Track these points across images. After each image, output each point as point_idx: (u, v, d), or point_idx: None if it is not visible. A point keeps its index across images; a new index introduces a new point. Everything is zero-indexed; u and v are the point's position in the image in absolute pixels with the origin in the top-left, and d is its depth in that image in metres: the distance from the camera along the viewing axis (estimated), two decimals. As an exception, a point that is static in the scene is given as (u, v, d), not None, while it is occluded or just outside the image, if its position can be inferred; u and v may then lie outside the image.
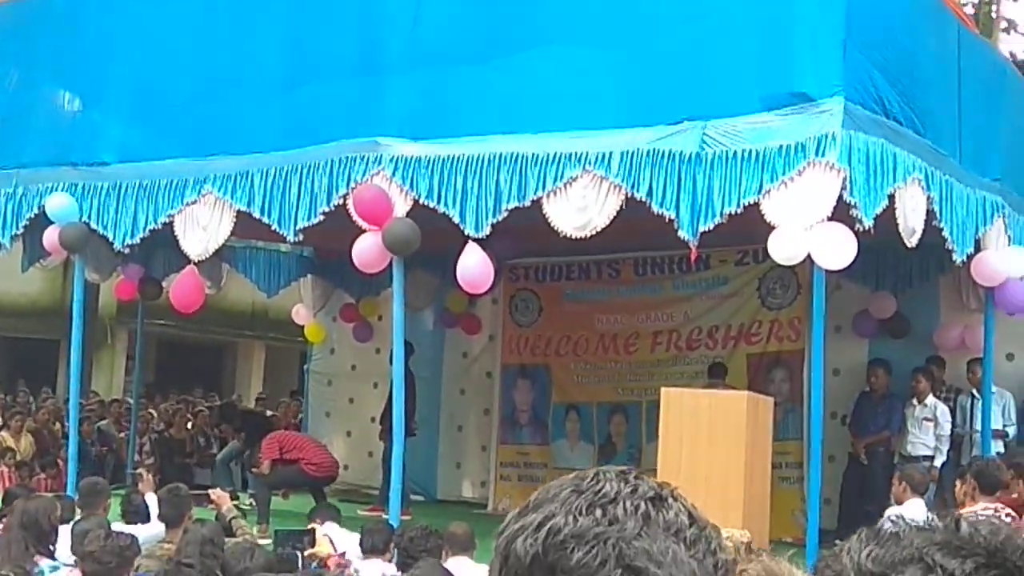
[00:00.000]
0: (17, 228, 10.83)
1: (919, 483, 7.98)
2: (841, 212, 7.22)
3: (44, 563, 6.08)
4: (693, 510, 1.27)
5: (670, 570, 1.19)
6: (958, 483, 7.93)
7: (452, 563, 6.76)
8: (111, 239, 10.25)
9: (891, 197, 7.47)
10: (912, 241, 7.81)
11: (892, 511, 6.36)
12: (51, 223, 10.52)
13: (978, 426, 10.66)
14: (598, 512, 1.22)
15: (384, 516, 9.09)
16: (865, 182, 7.24)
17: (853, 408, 11.35)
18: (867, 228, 7.17)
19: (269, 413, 16.74)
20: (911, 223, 7.74)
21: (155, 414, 17.13)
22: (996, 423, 10.52)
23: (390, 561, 7.19)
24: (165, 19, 10.22)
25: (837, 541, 1.32)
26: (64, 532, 6.70)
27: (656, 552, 1.19)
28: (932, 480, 10.34)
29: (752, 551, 3.90)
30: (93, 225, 10.30)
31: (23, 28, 11.16)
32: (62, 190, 10.42)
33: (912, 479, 8.02)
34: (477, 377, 13.84)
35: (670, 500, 1.26)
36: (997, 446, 10.29)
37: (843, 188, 7.13)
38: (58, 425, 15.62)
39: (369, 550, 7.11)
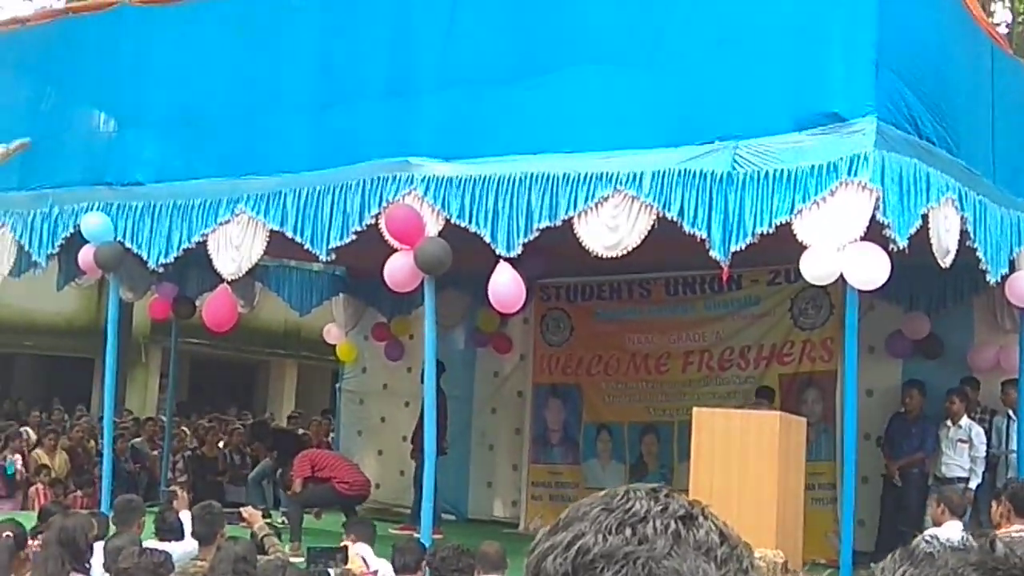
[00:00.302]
0: (53, 247, 10.92)
1: (957, 505, 7.93)
2: (874, 232, 7.18)
3: (76, 578, 6.12)
4: (725, 528, 1.27)
5: None
6: (994, 504, 7.86)
7: (485, 582, 6.77)
8: (145, 258, 10.33)
9: (924, 217, 7.44)
10: (946, 261, 7.76)
11: (928, 533, 6.32)
12: (86, 242, 10.61)
13: (1014, 447, 10.57)
14: (628, 531, 1.21)
15: (415, 535, 9.09)
16: (899, 202, 7.21)
17: (886, 429, 11.27)
18: (901, 248, 7.13)
19: (301, 431, 16.78)
20: (945, 243, 7.70)
21: (188, 432, 17.21)
22: None
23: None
24: (200, 41, 10.32)
25: (872, 564, 1.32)
26: (98, 549, 6.74)
27: (686, 572, 1.19)
28: (968, 502, 10.25)
29: (788, 571, 3.89)
30: (128, 244, 10.38)
31: (59, 49, 11.29)
32: (97, 209, 10.51)
33: (951, 501, 7.96)
34: (508, 396, 13.84)
35: (701, 519, 1.25)
36: None
37: (876, 208, 7.10)
38: (92, 443, 15.73)
39: (400, 569, 7.11)
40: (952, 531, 7.11)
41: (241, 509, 8.81)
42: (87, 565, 6.32)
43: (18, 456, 14.68)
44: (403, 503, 12.87)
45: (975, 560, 1.19)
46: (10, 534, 6.28)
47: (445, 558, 6.86)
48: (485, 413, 13.95)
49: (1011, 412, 10.78)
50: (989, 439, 10.88)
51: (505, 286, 8.88)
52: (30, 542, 7.96)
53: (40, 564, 6.11)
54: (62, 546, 6.09)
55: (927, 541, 1.26)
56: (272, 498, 14.51)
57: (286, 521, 10.87)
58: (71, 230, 10.72)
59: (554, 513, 1.30)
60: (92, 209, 10.54)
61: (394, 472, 13.88)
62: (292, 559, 7.17)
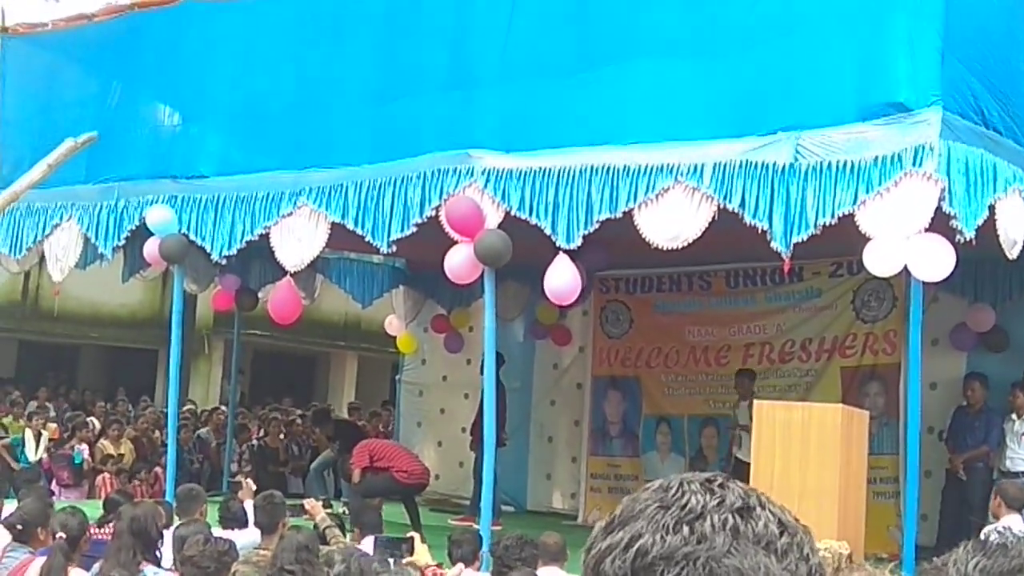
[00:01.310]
0: (118, 239, 11.07)
1: (1014, 498, 7.82)
2: (939, 223, 7.09)
3: (148, 569, 6.19)
4: (784, 515, 1.25)
5: None
6: None
7: (543, 572, 6.79)
8: (209, 250, 10.44)
9: (991, 208, 7.33)
10: (1013, 253, 7.64)
11: (989, 528, 6.24)
12: (151, 235, 10.75)
13: None
14: (685, 530, 1.20)
15: (475, 526, 9.13)
16: (965, 193, 7.10)
17: (949, 423, 11.13)
18: (967, 240, 7.04)
19: (361, 423, 16.90)
20: (1012, 234, 7.57)
21: (253, 423, 17.38)
22: None
23: (478, 570, 7.22)
24: (262, 35, 10.42)
25: (933, 559, 1.31)
26: (166, 537, 6.83)
27: (747, 568, 1.18)
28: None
29: (853, 561, 3.86)
30: (191, 237, 10.50)
31: (125, 44, 11.44)
32: (162, 202, 10.65)
33: (1007, 494, 7.87)
34: (567, 388, 13.85)
35: (758, 509, 1.24)
36: None
37: (941, 199, 7.01)
38: (157, 433, 15.94)
39: (458, 559, 7.16)
40: (1012, 524, 7.04)
41: (303, 501, 8.89)
42: (158, 554, 6.41)
43: (85, 446, 14.93)
44: (462, 494, 12.92)
45: None
46: (64, 536, 6.36)
47: (508, 547, 6.89)
48: (544, 405, 13.96)
49: None
50: None
51: (561, 278, 8.88)
52: (95, 530, 8.09)
53: (112, 554, 6.19)
54: (134, 536, 6.17)
55: (999, 532, 1.25)
56: (333, 488, 14.64)
57: (347, 511, 10.95)
58: (136, 223, 10.86)
59: (613, 505, 1.30)
60: (157, 202, 10.67)
61: (453, 463, 13.94)
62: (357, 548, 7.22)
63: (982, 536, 1.33)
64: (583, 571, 1.25)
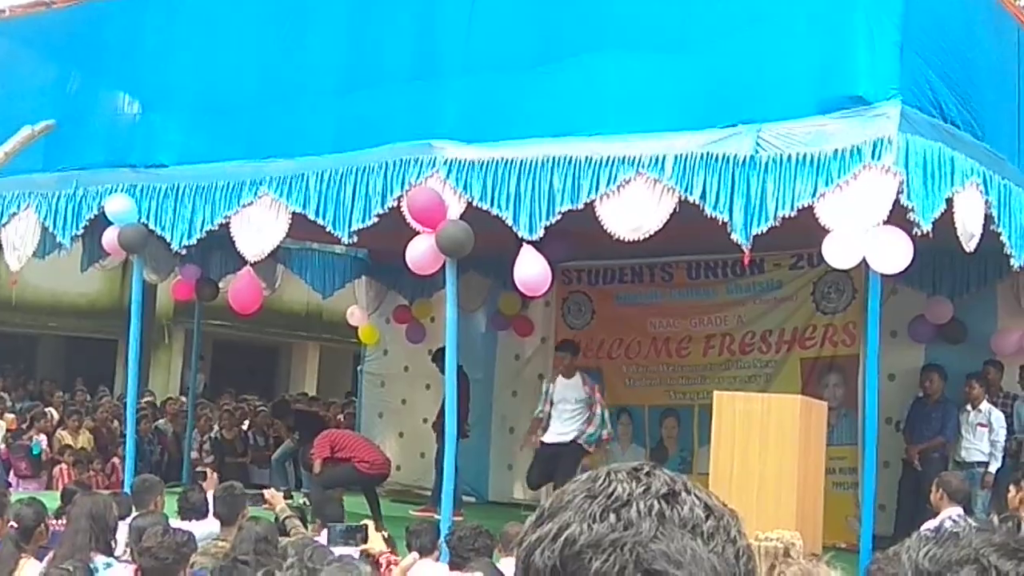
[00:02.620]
0: (77, 229, 10.98)
1: (956, 491, 7.84)
2: (898, 216, 7.15)
3: (100, 559, 6.16)
4: (710, 499, 1.26)
5: (690, 569, 1.18)
6: (1012, 489, 7.83)
7: (505, 563, 6.80)
8: (169, 240, 10.37)
9: (949, 201, 7.40)
10: (970, 246, 7.72)
11: (930, 522, 6.29)
12: (110, 224, 10.66)
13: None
14: (612, 517, 1.21)
15: (436, 516, 9.13)
16: (923, 186, 7.17)
17: (907, 414, 11.25)
18: (925, 232, 7.10)
19: (324, 413, 16.87)
20: (969, 227, 7.66)
21: (214, 414, 17.30)
22: None
23: (437, 560, 7.23)
24: (224, 24, 10.34)
25: (889, 548, 1.32)
26: (121, 528, 6.79)
27: (674, 552, 1.19)
28: (988, 486, 10.24)
29: (789, 555, 3.89)
30: (151, 226, 10.43)
31: (85, 31, 11.34)
32: (121, 191, 10.56)
33: (950, 486, 7.87)
34: (529, 379, 13.85)
35: (684, 494, 1.25)
36: None
37: (900, 192, 7.07)
38: (117, 423, 15.83)
39: (417, 551, 7.17)
40: (953, 517, 7.09)
41: (264, 492, 8.87)
42: (112, 544, 6.37)
43: (43, 436, 14.81)
44: (424, 485, 12.92)
45: (998, 541, 1.20)
46: (15, 525, 6.32)
47: (463, 537, 6.92)
48: (506, 396, 13.97)
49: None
50: (1011, 424, 10.85)
51: (532, 269, 8.88)
52: (52, 521, 8.03)
53: (68, 538, 6.15)
54: (91, 524, 6.13)
55: (953, 520, 1.26)
56: (295, 479, 14.61)
57: (308, 502, 10.93)
58: (95, 212, 10.77)
59: (574, 496, 1.30)
60: (116, 191, 10.59)
61: (415, 454, 13.95)
62: (315, 539, 7.21)
63: (922, 529, 1.34)
64: (516, 563, 1.26)
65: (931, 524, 1.31)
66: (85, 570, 5.69)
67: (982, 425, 10.71)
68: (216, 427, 16.38)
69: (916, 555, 1.24)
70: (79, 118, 11.12)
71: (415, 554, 6.84)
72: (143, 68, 10.89)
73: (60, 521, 8.31)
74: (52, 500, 9.54)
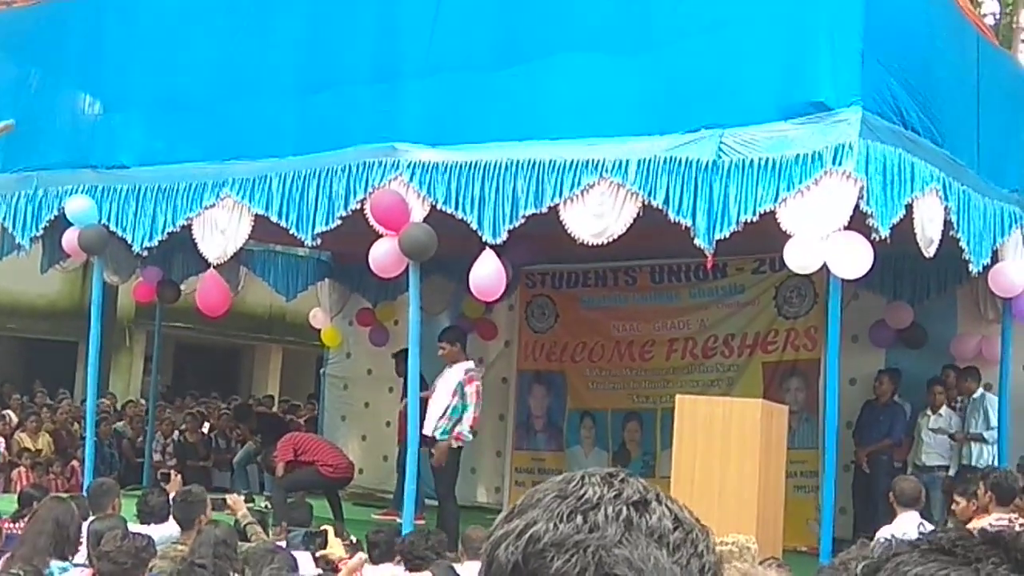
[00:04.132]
0: (37, 230, 10.89)
1: (908, 496, 7.87)
2: (858, 222, 7.21)
3: (54, 564, 6.10)
4: (680, 512, 1.25)
5: None
6: (960, 500, 7.86)
7: (468, 566, 6.79)
8: (130, 241, 10.30)
9: (908, 207, 7.46)
10: (930, 251, 7.80)
11: (884, 530, 6.31)
12: (70, 225, 10.58)
13: (978, 430, 10.63)
14: (579, 519, 1.20)
15: (398, 520, 9.10)
16: (882, 192, 7.23)
17: (858, 417, 11.34)
18: (884, 238, 7.16)
19: (288, 417, 16.80)
20: (929, 233, 7.73)
21: (176, 417, 17.19)
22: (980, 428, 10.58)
23: (397, 564, 7.21)
24: (185, 25, 10.29)
25: (833, 558, 1.32)
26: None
27: (637, 559, 1.18)
28: (945, 491, 10.30)
29: (744, 559, 3.90)
30: (112, 227, 10.36)
31: (45, 31, 11.24)
32: (82, 192, 10.49)
33: (903, 493, 7.89)
34: (493, 383, 13.83)
35: (654, 504, 1.24)
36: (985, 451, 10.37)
37: (860, 197, 7.12)
38: (77, 426, 15.70)
39: (377, 559, 7.15)
40: (907, 522, 7.11)
41: (226, 496, 8.82)
42: (73, 553, 6.30)
43: (1, 439, 14.65)
44: (386, 488, 12.89)
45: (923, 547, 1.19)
46: None
47: (413, 542, 6.93)
48: (469, 399, 13.94)
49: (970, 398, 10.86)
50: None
51: (486, 274, 8.88)
52: (9, 524, 7.95)
53: (29, 539, 6.08)
54: (55, 532, 6.07)
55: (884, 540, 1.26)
56: (257, 482, 14.53)
57: (269, 505, 10.88)
58: (55, 213, 10.68)
59: (537, 500, 1.30)
60: (76, 192, 10.51)
61: (377, 457, 13.90)
62: (277, 543, 7.17)
63: (876, 538, 1.34)
64: (481, 558, 1.26)
65: (886, 529, 1.31)
66: (37, 573, 5.64)
67: (942, 430, 10.82)
68: (178, 430, 16.27)
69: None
70: (39, 118, 11.03)
71: (362, 554, 6.80)
72: (104, 68, 10.81)
73: (17, 525, 8.24)
74: (9, 503, 9.46)
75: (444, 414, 9.84)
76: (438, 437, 9.84)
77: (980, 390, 10.80)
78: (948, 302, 11.43)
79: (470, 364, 10.33)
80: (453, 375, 10.03)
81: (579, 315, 13.22)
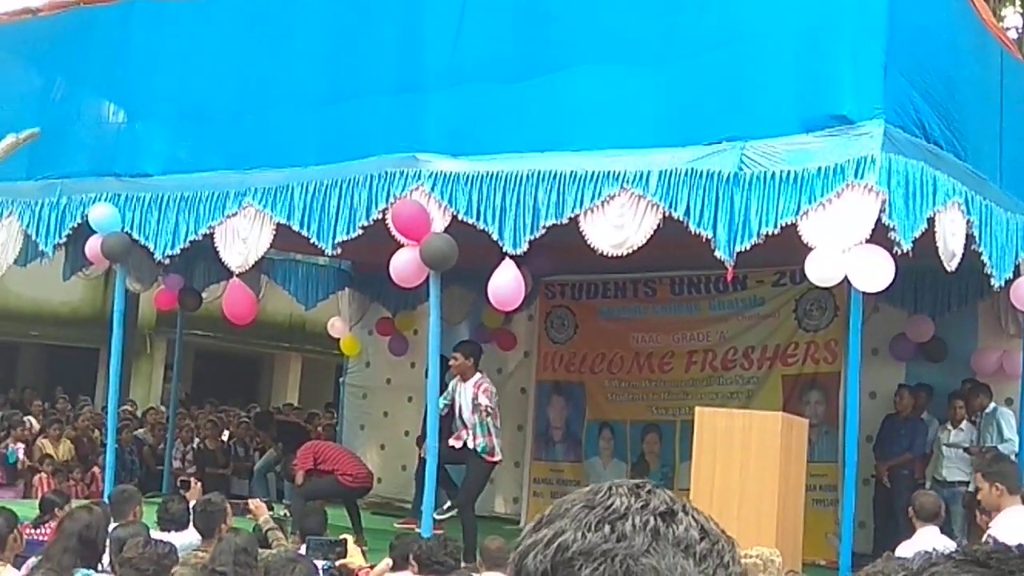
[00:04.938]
0: (60, 237, 10.95)
1: (928, 511, 7.82)
2: (880, 235, 7.19)
3: (80, 573, 6.11)
4: (707, 523, 1.27)
5: None
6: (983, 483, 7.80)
7: (486, 576, 6.80)
8: (152, 249, 10.35)
9: (930, 221, 7.44)
10: (951, 265, 7.77)
11: (904, 545, 6.26)
12: (93, 233, 10.63)
13: (994, 443, 10.58)
14: (607, 528, 1.22)
15: (417, 529, 9.11)
16: (904, 205, 7.21)
17: (878, 431, 11.30)
18: (905, 251, 7.14)
19: (307, 424, 16.82)
20: (951, 247, 7.70)
21: (196, 424, 17.25)
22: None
23: (416, 573, 7.22)
24: (210, 34, 10.34)
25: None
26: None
27: (664, 569, 1.20)
28: (966, 506, 10.25)
29: (757, 571, 3.89)
30: (135, 235, 10.40)
31: (70, 39, 11.31)
32: (105, 200, 10.53)
33: (922, 508, 7.84)
34: (512, 393, 13.85)
35: (681, 514, 1.26)
36: None
37: (882, 211, 7.10)
38: (98, 433, 15.77)
39: (397, 565, 7.17)
40: (927, 537, 7.07)
41: (248, 501, 8.83)
42: (99, 563, 6.32)
43: (21, 445, 14.73)
44: (405, 497, 12.89)
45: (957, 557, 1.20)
46: None
47: (432, 548, 6.92)
48: (488, 409, 13.94)
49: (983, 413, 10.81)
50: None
51: (505, 284, 8.89)
52: (30, 530, 7.97)
53: (55, 556, 6.09)
54: (81, 542, 6.07)
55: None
56: (276, 490, 14.55)
57: (288, 513, 10.89)
58: (78, 220, 10.74)
59: (554, 511, 1.32)
60: (100, 200, 10.56)
61: (396, 466, 13.91)
62: (297, 551, 7.19)
63: (897, 552, 1.35)
64: (509, 567, 1.27)
65: (907, 544, 1.31)
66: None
67: (962, 445, 10.77)
68: (198, 438, 16.33)
69: None
70: (64, 126, 11.09)
71: (388, 560, 6.82)
72: (128, 77, 10.87)
73: (38, 531, 8.28)
74: (30, 509, 9.50)
75: (476, 432, 9.84)
76: (478, 450, 9.92)
77: (992, 404, 10.76)
78: (969, 316, 11.39)
79: (478, 376, 10.27)
80: (467, 392, 10.03)
81: (598, 326, 13.21)
